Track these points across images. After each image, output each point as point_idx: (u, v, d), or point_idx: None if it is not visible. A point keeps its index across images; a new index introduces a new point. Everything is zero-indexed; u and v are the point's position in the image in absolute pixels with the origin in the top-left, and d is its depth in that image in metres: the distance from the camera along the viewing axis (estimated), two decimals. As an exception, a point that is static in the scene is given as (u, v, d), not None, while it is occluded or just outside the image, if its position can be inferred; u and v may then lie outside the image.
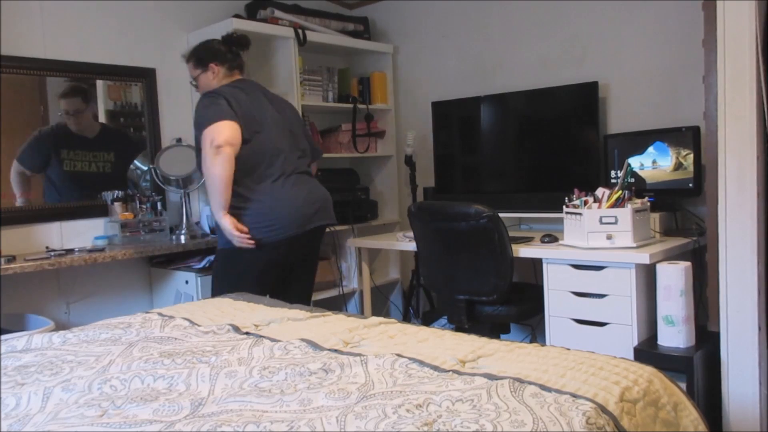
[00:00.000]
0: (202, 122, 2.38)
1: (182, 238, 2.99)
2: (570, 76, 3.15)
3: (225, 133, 2.32)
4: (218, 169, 2.32)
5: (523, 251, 2.52)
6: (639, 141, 2.77)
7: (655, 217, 2.59)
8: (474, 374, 1.26)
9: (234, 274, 2.48)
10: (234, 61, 2.64)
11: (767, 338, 2.02)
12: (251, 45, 2.72)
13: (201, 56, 2.61)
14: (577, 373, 1.26)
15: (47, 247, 2.73)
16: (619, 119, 3.02)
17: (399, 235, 3.11)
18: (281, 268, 2.56)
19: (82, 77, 2.92)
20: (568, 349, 1.42)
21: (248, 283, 2.40)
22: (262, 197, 2.43)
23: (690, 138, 2.63)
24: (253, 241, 2.42)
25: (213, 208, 2.43)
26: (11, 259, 2.46)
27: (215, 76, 2.59)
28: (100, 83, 2.99)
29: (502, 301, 2.56)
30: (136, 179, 3.14)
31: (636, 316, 2.27)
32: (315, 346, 1.50)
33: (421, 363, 1.34)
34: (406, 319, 3.67)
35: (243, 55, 2.69)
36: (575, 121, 3.00)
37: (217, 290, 2.48)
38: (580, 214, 2.41)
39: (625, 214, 2.32)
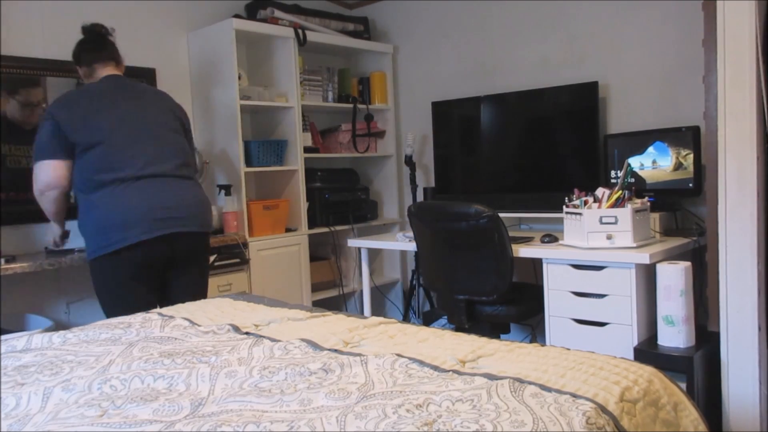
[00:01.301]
0: (35, 142, 2.30)
1: (182, 238, 2.98)
2: (570, 76, 3.15)
3: (44, 179, 2.27)
4: (46, 207, 2.37)
5: (523, 251, 2.52)
6: (639, 141, 2.77)
7: (655, 217, 2.59)
8: (474, 374, 1.26)
9: (103, 285, 2.32)
10: (90, 57, 2.41)
11: (767, 338, 2.02)
12: (110, 32, 2.49)
13: (73, 60, 2.48)
14: (577, 373, 1.26)
15: (46, 248, 2.73)
16: (619, 119, 3.03)
17: (399, 235, 3.11)
18: (148, 277, 2.31)
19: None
20: (568, 349, 1.42)
21: (121, 292, 2.27)
22: (104, 204, 2.23)
23: (690, 138, 2.63)
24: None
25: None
26: (11, 259, 2.46)
27: (84, 77, 2.45)
28: (100, 83, 2.98)
29: (502, 301, 2.56)
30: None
31: (636, 316, 2.27)
32: (315, 346, 1.50)
33: (421, 363, 1.34)
34: (406, 319, 3.67)
35: (109, 45, 2.45)
36: (575, 121, 3.00)
37: (102, 304, 2.34)
38: (580, 214, 2.41)
39: (625, 214, 2.32)
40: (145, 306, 2.21)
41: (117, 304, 2.25)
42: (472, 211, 2.44)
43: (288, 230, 3.36)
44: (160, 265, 2.34)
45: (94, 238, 2.25)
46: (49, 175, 2.26)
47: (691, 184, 2.64)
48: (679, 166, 2.67)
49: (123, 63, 2.51)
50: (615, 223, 2.33)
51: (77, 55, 2.44)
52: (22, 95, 2.78)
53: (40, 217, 2.80)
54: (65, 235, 2.57)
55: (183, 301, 2.28)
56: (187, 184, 2.40)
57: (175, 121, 2.47)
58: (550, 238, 2.60)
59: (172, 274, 2.40)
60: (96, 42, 2.43)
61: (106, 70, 2.42)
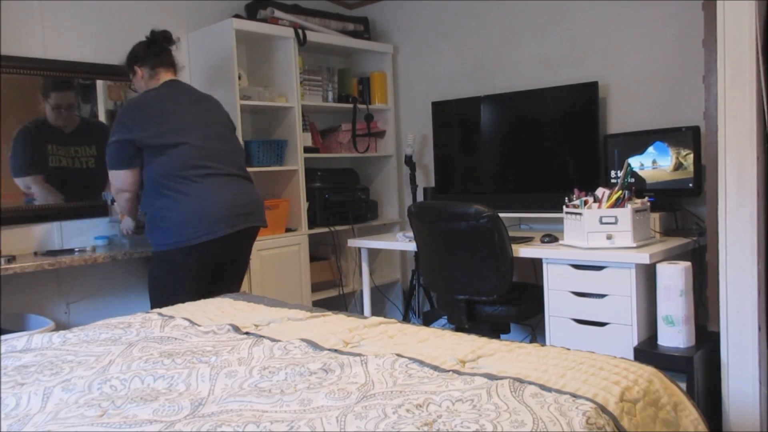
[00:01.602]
0: (108, 152, 2.47)
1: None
2: (570, 76, 3.15)
3: (118, 185, 2.50)
4: (121, 205, 2.62)
5: (523, 251, 2.52)
6: (639, 141, 2.77)
7: (655, 217, 2.59)
8: (474, 374, 1.26)
9: (172, 276, 2.44)
10: (156, 60, 2.57)
11: (767, 338, 2.02)
12: (174, 41, 2.64)
13: (128, 60, 2.61)
14: (577, 373, 1.26)
15: (48, 251, 2.73)
16: (619, 119, 3.03)
17: (399, 235, 3.11)
18: (212, 268, 2.50)
19: (82, 77, 2.92)
20: (568, 349, 1.42)
21: (186, 284, 2.41)
22: (188, 199, 2.38)
23: (690, 138, 2.63)
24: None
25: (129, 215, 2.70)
26: (11, 259, 2.46)
27: (142, 78, 2.58)
28: (100, 83, 2.99)
29: (502, 301, 2.56)
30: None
31: (636, 316, 2.27)
32: (315, 346, 1.50)
33: (421, 363, 1.34)
34: (406, 319, 3.67)
35: (170, 51, 2.62)
36: (575, 121, 3.00)
37: (156, 295, 2.47)
38: (580, 214, 2.41)
39: (625, 214, 2.32)
40: (202, 297, 2.35)
41: (174, 297, 2.31)
42: (472, 211, 2.44)
43: (288, 230, 3.36)
44: (229, 255, 2.52)
45: (179, 230, 2.36)
46: (122, 182, 2.48)
47: (691, 184, 2.64)
48: (679, 166, 2.67)
49: (180, 69, 2.68)
50: (615, 223, 2.33)
51: (140, 57, 2.57)
52: (52, 98, 2.86)
53: (40, 217, 2.83)
54: (139, 225, 2.72)
55: (231, 288, 2.55)
56: (249, 183, 2.60)
57: (230, 123, 2.68)
58: (550, 238, 2.60)
59: (226, 264, 2.55)
60: (162, 47, 2.59)
61: (168, 75, 2.58)
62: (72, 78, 2.89)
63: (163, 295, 2.41)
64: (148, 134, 2.39)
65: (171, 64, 2.61)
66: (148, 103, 2.47)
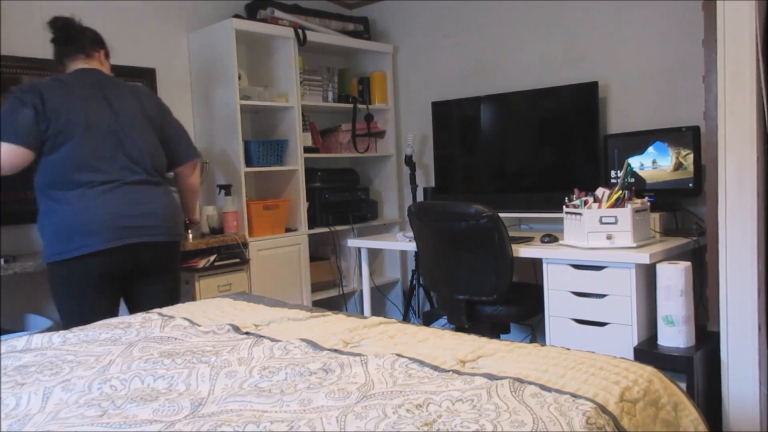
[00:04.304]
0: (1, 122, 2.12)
1: (182, 238, 2.98)
2: (570, 76, 3.15)
3: (4, 159, 2.10)
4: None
5: (523, 251, 2.52)
6: (639, 141, 2.77)
7: (655, 217, 2.59)
8: (474, 374, 1.26)
9: (57, 291, 2.21)
10: (62, 51, 2.30)
11: (767, 338, 2.02)
12: (78, 26, 2.33)
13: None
14: (577, 373, 1.26)
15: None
16: (619, 119, 3.03)
17: (399, 235, 3.11)
18: (106, 284, 2.20)
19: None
20: (568, 349, 1.42)
21: (75, 301, 2.17)
22: (67, 207, 2.13)
23: (690, 138, 2.63)
24: None
25: None
26: (11, 259, 2.46)
27: (59, 73, 2.32)
28: (100, 83, 2.98)
29: (502, 301, 2.56)
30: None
31: (636, 316, 2.27)
32: (315, 346, 1.50)
33: (421, 363, 1.34)
34: (406, 319, 3.67)
35: (80, 38, 2.31)
36: (575, 121, 3.00)
37: (60, 311, 2.23)
38: (580, 214, 2.41)
39: (625, 214, 2.32)
40: (105, 316, 2.07)
41: (74, 313, 2.15)
42: (472, 211, 2.44)
43: (288, 230, 3.36)
44: (123, 276, 2.24)
45: (53, 241, 2.14)
46: (7, 160, 2.09)
47: (691, 184, 2.64)
48: (679, 166, 2.67)
49: (98, 55, 2.34)
50: (615, 223, 2.33)
51: (54, 52, 2.32)
52: None
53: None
54: None
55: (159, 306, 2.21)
56: (156, 192, 2.29)
57: (147, 121, 2.34)
58: (550, 238, 2.60)
59: (140, 285, 2.30)
60: (63, 36, 2.29)
61: (77, 64, 2.29)
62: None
63: (62, 314, 2.21)
64: (48, 119, 2.11)
65: (79, 52, 2.29)
66: (45, 88, 2.16)
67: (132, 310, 2.34)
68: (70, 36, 2.30)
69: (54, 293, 2.22)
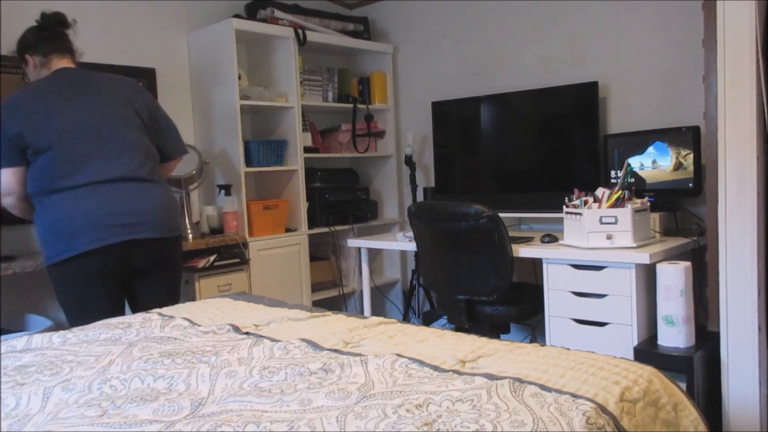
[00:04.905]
0: None
1: (182, 238, 2.98)
2: (570, 76, 3.15)
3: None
4: (11, 210, 2.28)
5: (523, 251, 2.52)
6: (639, 141, 2.77)
7: (655, 217, 2.59)
8: (474, 374, 1.26)
9: (59, 292, 2.21)
10: (48, 47, 2.26)
11: (767, 338, 2.02)
12: (70, 24, 2.32)
13: (18, 49, 2.31)
14: (577, 373, 1.26)
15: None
16: (619, 119, 3.03)
17: (399, 235, 3.11)
18: (109, 282, 2.20)
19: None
20: (568, 349, 1.42)
21: (79, 301, 2.17)
22: (55, 210, 2.13)
23: (690, 138, 2.63)
24: None
25: None
26: (11, 259, 2.46)
27: (34, 68, 2.29)
28: (100, 83, 2.98)
29: (502, 301, 2.56)
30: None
31: (636, 316, 2.27)
32: (315, 346, 1.50)
33: (421, 363, 1.34)
34: (406, 319, 3.67)
35: (66, 36, 2.30)
36: (575, 121, 3.00)
37: (65, 311, 2.23)
38: (580, 214, 2.41)
39: (625, 214, 2.32)
40: (108, 315, 2.08)
41: (77, 312, 2.16)
42: (472, 211, 2.44)
43: (288, 230, 3.36)
44: (121, 274, 2.22)
45: (48, 244, 2.15)
46: (4, 183, 2.17)
47: (691, 184, 2.64)
48: (679, 166, 2.67)
49: (78, 55, 2.36)
50: (615, 223, 2.33)
51: (30, 44, 2.27)
52: None
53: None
54: None
55: (158, 305, 2.22)
56: (147, 187, 2.24)
57: (133, 115, 2.29)
58: (550, 238, 2.60)
59: (139, 283, 2.29)
60: (56, 32, 2.28)
61: (61, 63, 2.27)
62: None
63: (67, 314, 2.22)
64: (31, 129, 2.12)
65: (66, 50, 2.29)
66: (30, 95, 2.17)
67: (133, 307, 2.34)
68: (62, 34, 2.29)
69: (57, 295, 2.23)
